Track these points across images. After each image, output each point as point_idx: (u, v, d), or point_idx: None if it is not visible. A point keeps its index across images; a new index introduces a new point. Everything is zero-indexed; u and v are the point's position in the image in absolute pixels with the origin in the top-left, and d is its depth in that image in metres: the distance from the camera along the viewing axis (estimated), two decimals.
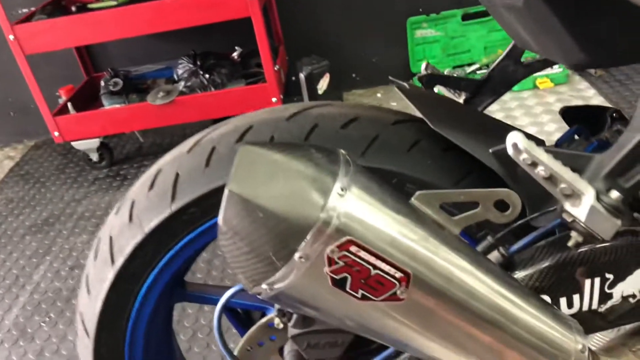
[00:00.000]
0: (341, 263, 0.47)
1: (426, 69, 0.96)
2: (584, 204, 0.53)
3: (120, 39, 2.30)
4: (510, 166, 0.61)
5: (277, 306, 0.72)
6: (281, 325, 0.71)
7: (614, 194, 0.54)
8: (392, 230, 0.49)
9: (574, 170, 0.55)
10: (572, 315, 0.64)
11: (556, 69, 2.38)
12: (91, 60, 2.60)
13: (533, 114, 2.18)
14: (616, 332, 0.73)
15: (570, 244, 0.57)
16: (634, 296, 0.65)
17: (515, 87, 2.45)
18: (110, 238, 0.74)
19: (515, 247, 0.65)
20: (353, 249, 0.47)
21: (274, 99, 2.12)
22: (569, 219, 0.54)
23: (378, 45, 2.58)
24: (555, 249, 0.64)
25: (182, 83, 2.25)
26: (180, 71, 2.28)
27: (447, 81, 0.94)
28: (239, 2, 1.92)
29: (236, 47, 2.43)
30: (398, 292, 0.49)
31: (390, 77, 0.79)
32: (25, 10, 2.39)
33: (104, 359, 0.77)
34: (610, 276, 0.64)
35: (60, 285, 1.74)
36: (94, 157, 2.33)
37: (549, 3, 0.60)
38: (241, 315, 0.87)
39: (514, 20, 0.70)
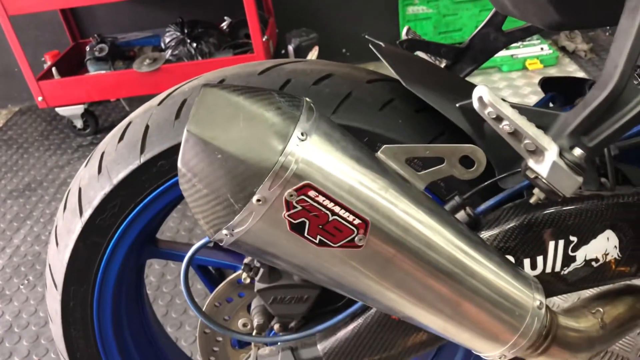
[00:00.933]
0: (299, 207, 0.47)
1: (407, 33, 0.95)
2: (546, 160, 0.53)
3: (108, 4, 2.26)
4: (477, 123, 0.61)
5: (245, 261, 0.72)
6: (248, 280, 0.71)
7: (577, 152, 0.54)
8: (351, 178, 0.48)
9: (539, 127, 0.55)
10: (535, 277, 0.65)
11: (546, 51, 2.38)
12: (78, 26, 2.56)
13: (521, 95, 2.18)
14: (577, 296, 0.74)
15: (532, 200, 0.57)
16: (596, 260, 0.66)
17: (505, 68, 2.43)
18: (80, 189, 0.73)
19: (482, 207, 0.65)
20: (311, 193, 0.47)
21: None
22: (532, 176, 0.54)
23: (369, 21, 2.56)
24: (521, 210, 0.64)
25: (169, 51, 2.22)
26: (167, 39, 2.25)
27: (427, 47, 0.93)
28: None
29: (225, 17, 2.40)
30: (356, 239, 0.49)
31: (365, 35, 0.78)
32: None
33: (71, 312, 0.77)
34: (574, 239, 0.64)
35: (40, 249, 1.74)
36: (78, 123, 2.30)
37: None
38: (213, 273, 0.87)
39: None
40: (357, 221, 0.48)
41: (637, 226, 0.65)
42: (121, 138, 0.72)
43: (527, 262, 0.64)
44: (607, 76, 0.54)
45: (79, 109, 2.24)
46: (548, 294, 0.66)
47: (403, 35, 0.94)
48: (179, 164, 0.48)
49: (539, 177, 0.54)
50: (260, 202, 0.46)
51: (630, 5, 0.54)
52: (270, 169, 0.46)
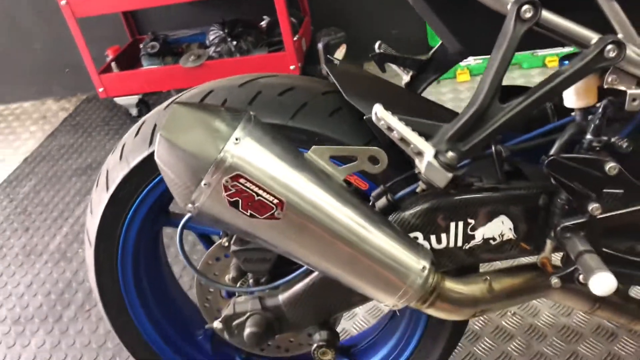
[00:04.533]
0: (233, 190, 0.68)
1: (379, 47, 1.13)
2: (424, 160, 0.71)
3: (162, 6, 2.53)
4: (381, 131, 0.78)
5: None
6: (226, 243, 0.93)
7: (450, 154, 0.71)
8: (272, 169, 0.69)
9: (426, 135, 0.73)
10: (441, 250, 0.83)
11: (567, 48, 2.43)
12: (135, 24, 2.86)
13: None
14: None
15: (417, 190, 0.75)
16: (494, 239, 0.83)
17: (525, 65, 2.49)
18: (107, 171, 0.98)
19: (401, 193, 0.83)
20: (242, 180, 0.68)
21: (292, 67, 2.31)
22: (417, 172, 0.73)
23: (399, 19, 2.70)
24: (430, 197, 0.81)
25: (212, 48, 2.47)
26: (211, 37, 2.50)
27: (395, 60, 1.10)
28: None
29: (264, 17, 2.61)
30: (275, 213, 0.69)
31: (328, 56, 0.97)
32: None
33: (101, 264, 1.02)
34: (471, 221, 0.81)
35: None
36: (134, 111, 2.61)
37: (424, 8, 0.77)
38: (212, 240, 1.10)
39: None
40: (275, 201, 0.69)
41: (527, 212, 0.81)
42: (137, 133, 0.95)
43: (433, 237, 0.82)
44: (476, 96, 0.71)
45: (134, 99, 2.54)
46: (457, 263, 0.84)
47: (376, 49, 1.12)
48: (155, 157, 0.70)
49: (421, 173, 0.72)
50: (207, 185, 0.68)
51: (498, 43, 0.71)
52: (212, 162, 0.67)
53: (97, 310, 1.63)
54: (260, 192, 0.68)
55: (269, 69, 2.34)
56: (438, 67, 1.10)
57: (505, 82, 0.72)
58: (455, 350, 1.27)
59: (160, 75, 2.42)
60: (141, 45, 2.56)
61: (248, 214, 0.70)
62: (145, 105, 2.62)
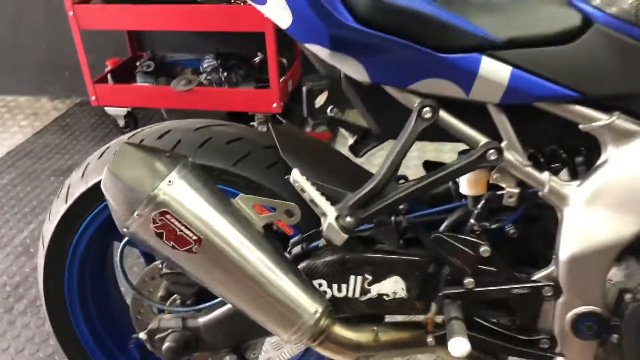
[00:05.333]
0: (160, 223, 0.81)
1: (330, 111, 1.27)
2: (327, 220, 0.84)
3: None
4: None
5: None
6: (161, 266, 1.05)
7: (349, 219, 0.85)
8: (195, 210, 0.82)
9: (333, 199, 0.86)
10: (342, 298, 0.95)
11: None
12: (137, 40, 3.01)
13: None
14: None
15: (320, 244, 0.88)
16: (387, 295, 0.95)
17: None
18: (69, 185, 1.10)
19: (313, 245, 0.96)
20: (168, 216, 0.81)
21: (274, 105, 2.46)
22: (320, 229, 0.86)
23: None
24: (337, 251, 0.94)
25: (204, 75, 2.62)
26: (205, 65, 2.66)
27: (342, 124, 1.24)
28: (255, 18, 2.27)
29: (258, 54, 2.78)
30: (193, 248, 0.82)
31: (276, 115, 1.11)
32: None
33: (50, 267, 1.13)
34: (369, 277, 0.94)
35: None
36: (121, 122, 2.74)
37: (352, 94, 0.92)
38: (154, 258, 1.22)
39: None
40: (194, 237, 0.82)
41: (418, 277, 0.94)
42: (100, 156, 1.08)
43: (335, 286, 0.95)
44: (377, 174, 0.85)
45: (123, 110, 2.68)
46: (354, 312, 0.96)
47: (328, 113, 1.26)
48: (102, 187, 0.83)
49: (322, 230, 0.85)
50: (139, 216, 0.81)
51: (402, 133, 0.85)
52: (145, 197, 0.80)
53: None
54: (183, 228, 0.81)
55: (252, 104, 2.49)
56: (378, 137, 1.25)
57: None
58: None
59: (151, 94, 2.56)
60: (138, 63, 2.71)
61: (170, 245, 0.82)
62: (132, 118, 2.76)
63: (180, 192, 0.82)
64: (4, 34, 3.16)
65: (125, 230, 0.84)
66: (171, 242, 0.82)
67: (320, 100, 2.72)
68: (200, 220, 0.82)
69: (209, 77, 2.62)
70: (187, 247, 0.82)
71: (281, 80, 2.47)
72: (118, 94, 2.60)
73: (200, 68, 2.69)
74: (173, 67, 2.78)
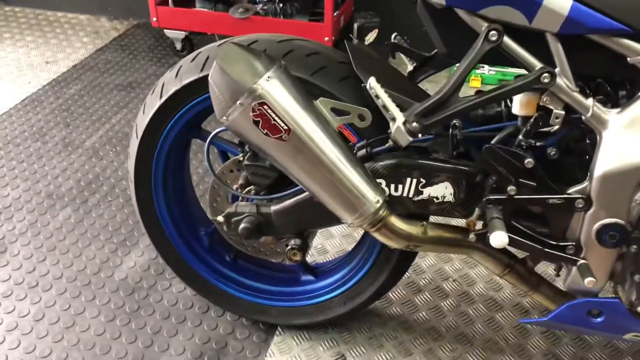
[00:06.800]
0: (258, 112, 0.96)
1: (394, 38, 1.39)
2: (396, 124, 0.99)
3: None
4: (369, 97, 1.05)
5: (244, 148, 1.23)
6: (241, 158, 1.22)
7: (414, 124, 0.99)
8: (287, 105, 0.96)
9: (401, 107, 1.00)
10: (397, 197, 1.11)
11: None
12: None
13: None
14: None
15: (386, 145, 1.03)
16: (437, 198, 1.10)
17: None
18: (163, 83, 1.26)
19: (378, 149, 1.11)
20: (265, 107, 0.96)
21: (326, 38, 2.57)
22: (389, 132, 1.00)
23: None
24: (397, 156, 1.09)
25: (260, 5, 2.72)
26: None
27: (404, 51, 1.36)
28: None
29: None
30: (283, 136, 0.97)
31: (350, 35, 1.24)
32: None
33: (142, 154, 1.31)
34: (423, 181, 1.09)
35: (129, 131, 2.33)
36: (178, 45, 2.88)
37: (425, 16, 1.03)
38: (229, 157, 1.38)
39: None
40: (285, 127, 0.97)
41: (466, 184, 1.08)
42: (193, 60, 1.23)
43: (392, 186, 1.10)
44: (442, 87, 0.98)
45: (181, 34, 2.81)
46: (406, 210, 1.11)
47: (392, 39, 1.38)
48: (209, 78, 0.98)
49: (391, 132, 1.00)
50: (240, 105, 0.96)
51: (468, 53, 0.98)
52: (247, 89, 0.95)
53: (117, 202, 1.94)
54: (277, 118, 0.96)
55: (305, 36, 2.58)
56: (436, 65, 1.35)
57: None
58: (398, 296, 1.57)
59: (210, 19, 2.68)
60: None
61: (264, 132, 0.98)
62: (189, 42, 2.89)
63: (276, 88, 0.96)
64: None
65: (225, 118, 0.99)
66: (265, 130, 0.97)
67: (370, 37, 2.83)
68: (290, 114, 0.97)
69: (264, 7, 2.72)
70: (278, 135, 0.98)
71: (335, 14, 2.56)
72: (179, 17, 2.73)
73: None
74: None
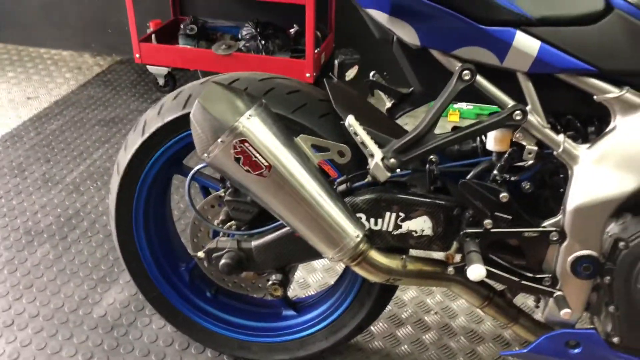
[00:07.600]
0: (239, 149, 0.98)
1: (372, 76, 1.43)
2: (374, 160, 1.01)
3: None
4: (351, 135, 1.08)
5: (225, 184, 1.24)
6: (222, 193, 1.23)
7: (392, 161, 1.01)
8: (268, 142, 0.98)
9: (379, 144, 1.03)
10: (377, 231, 1.12)
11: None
12: (180, 4, 3.16)
13: None
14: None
15: (364, 181, 1.05)
16: (415, 232, 1.12)
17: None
18: (145, 121, 1.27)
19: (357, 184, 1.13)
20: (246, 144, 0.97)
21: (307, 74, 2.62)
22: (368, 168, 1.03)
23: None
24: (377, 190, 1.11)
25: (243, 42, 2.77)
26: (244, 32, 2.81)
27: (382, 88, 1.40)
28: None
29: (294, 25, 2.92)
30: (264, 172, 0.99)
31: (330, 74, 1.27)
32: None
33: (123, 190, 1.31)
34: (402, 214, 1.11)
35: (110, 166, 2.33)
36: (161, 81, 2.91)
37: (401, 56, 1.07)
38: (210, 193, 1.39)
39: None
40: (266, 163, 0.99)
41: (443, 219, 1.11)
42: (175, 98, 1.25)
43: (372, 220, 1.11)
44: (419, 124, 1.02)
45: (164, 70, 2.85)
46: (386, 244, 1.13)
47: (370, 77, 1.42)
48: (191, 116, 1.00)
49: (369, 168, 1.02)
50: (222, 142, 0.98)
51: (443, 91, 1.01)
52: (229, 127, 0.96)
53: (97, 237, 1.92)
54: (257, 155, 0.98)
55: (287, 72, 2.64)
56: (414, 101, 1.39)
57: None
58: (380, 330, 1.57)
59: (193, 56, 2.72)
60: (181, 25, 2.87)
61: (245, 169, 0.99)
62: (172, 78, 2.92)
63: (257, 126, 0.98)
64: None
65: (206, 155, 1.01)
66: (246, 167, 0.99)
67: (351, 73, 2.90)
68: (271, 150, 0.99)
69: (247, 44, 2.77)
70: (259, 172, 0.99)
71: (316, 51, 2.62)
72: (162, 54, 2.76)
73: (239, 35, 2.85)
74: (213, 33, 2.93)
